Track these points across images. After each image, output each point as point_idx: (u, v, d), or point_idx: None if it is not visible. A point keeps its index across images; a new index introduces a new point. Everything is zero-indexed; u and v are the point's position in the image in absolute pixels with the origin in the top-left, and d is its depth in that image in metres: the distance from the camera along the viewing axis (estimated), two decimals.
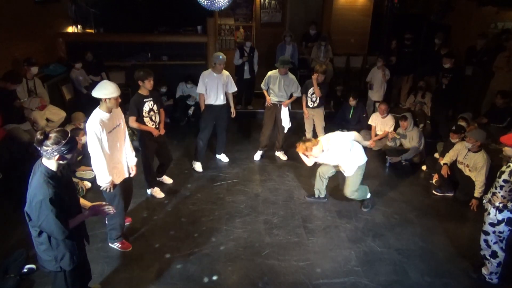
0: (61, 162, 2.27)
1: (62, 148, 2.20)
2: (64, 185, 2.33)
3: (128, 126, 5.78)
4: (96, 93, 3.16)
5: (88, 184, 4.71)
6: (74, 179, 4.35)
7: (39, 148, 2.20)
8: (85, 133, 4.79)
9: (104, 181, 3.25)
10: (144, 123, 4.20)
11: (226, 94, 5.17)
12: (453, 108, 6.72)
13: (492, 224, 3.18)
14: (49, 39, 6.93)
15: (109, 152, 3.25)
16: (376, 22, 9.15)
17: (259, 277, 3.38)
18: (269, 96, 5.41)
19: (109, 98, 3.15)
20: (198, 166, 5.32)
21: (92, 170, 4.05)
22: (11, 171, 4.44)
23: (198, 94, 5.19)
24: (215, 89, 5.01)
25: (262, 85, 5.48)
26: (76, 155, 2.35)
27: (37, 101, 5.32)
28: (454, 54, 6.20)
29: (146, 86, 4.08)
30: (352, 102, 6.54)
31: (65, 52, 7.29)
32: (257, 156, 5.71)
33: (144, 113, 4.17)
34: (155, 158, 4.62)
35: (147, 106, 4.17)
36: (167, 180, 4.98)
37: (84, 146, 4.82)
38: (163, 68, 7.52)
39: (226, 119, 5.36)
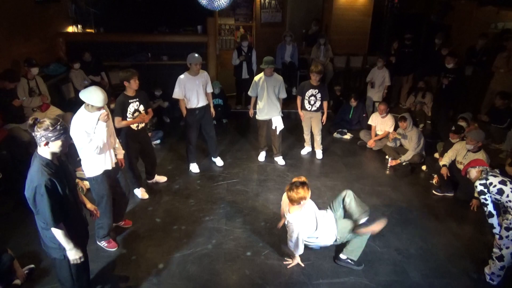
0: (49, 149, 2.35)
1: (50, 135, 2.30)
2: (61, 174, 2.43)
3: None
4: (82, 94, 3.11)
5: (88, 184, 4.70)
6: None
7: (33, 134, 2.33)
8: None
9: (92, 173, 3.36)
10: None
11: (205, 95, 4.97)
12: (453, 108, 6.72)
13: (507, 229, 3.14)
14: (49, 39, 6.93)
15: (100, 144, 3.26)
16: (376, 22, 9.16)
17: (259, 277, 3.38)
18: (253, 109, 5.35)
19: (92, 106, 3.12)
20: (194, 167, 5.27)
21: None
22: (11, 171, 4.44)
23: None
24: (195, 92, 4.77)
25: (250, 93, 5.29)
26: (69, 144, 2.45)
27: (37, 100, 5.29)
28: (457, 53, 6.18)
29: (132, 86, 4.02)
30: (353, 102, 6.57)
31: (65, 52, 7.29)
32: (261, 157, 5.65)
33: (128, 114, 4.10)
34: (140, 160, 4.63)
35: (132, 107, 4.10)
36: (161, 179, 4.96)
37: None
38: (163, 68, 7.53)
39: (211, 120, 5.15)
